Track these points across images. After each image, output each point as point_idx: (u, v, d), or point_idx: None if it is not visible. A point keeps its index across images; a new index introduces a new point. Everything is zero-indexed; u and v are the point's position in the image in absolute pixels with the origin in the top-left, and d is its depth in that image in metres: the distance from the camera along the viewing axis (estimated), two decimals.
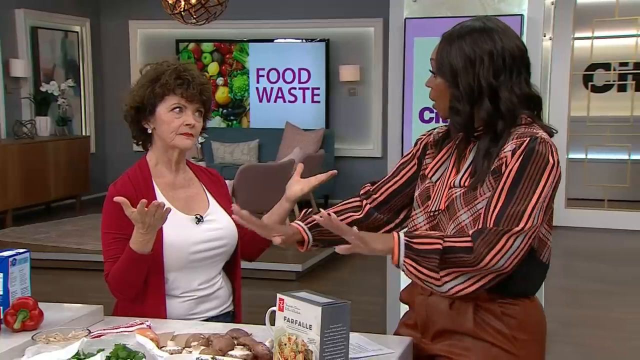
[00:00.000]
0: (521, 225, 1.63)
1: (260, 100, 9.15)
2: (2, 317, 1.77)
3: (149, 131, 2.18)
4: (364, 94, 8.92)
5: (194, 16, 6.89)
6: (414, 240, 1.68)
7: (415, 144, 1.98)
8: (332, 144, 8.63)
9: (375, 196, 1.99)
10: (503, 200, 1.65)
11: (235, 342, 1.72)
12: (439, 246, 1.65)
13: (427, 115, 3.63)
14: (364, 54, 8.83)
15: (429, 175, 1.89)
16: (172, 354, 1.64)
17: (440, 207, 1.80)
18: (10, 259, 1.82)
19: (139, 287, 2.09)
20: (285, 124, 8.68)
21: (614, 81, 8.31)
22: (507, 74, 1.72)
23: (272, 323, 1.77)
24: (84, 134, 9.37)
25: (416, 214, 1.89)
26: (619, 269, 6.20)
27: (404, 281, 3.58)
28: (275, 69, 9.09)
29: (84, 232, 7.06)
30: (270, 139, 8.66)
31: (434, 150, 1.92)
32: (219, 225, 2.20)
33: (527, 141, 1.68)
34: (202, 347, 1.69)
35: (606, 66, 8.23)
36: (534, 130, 1.72)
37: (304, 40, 8.97)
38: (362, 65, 8.79)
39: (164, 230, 2.09)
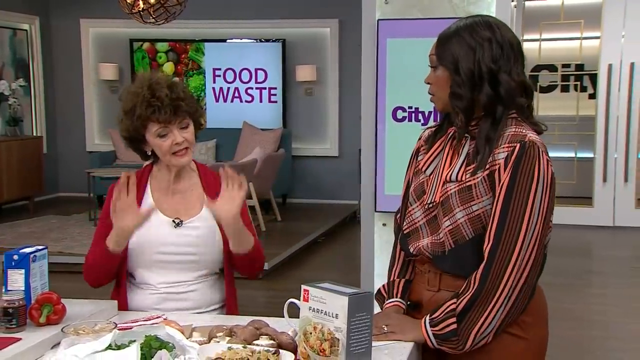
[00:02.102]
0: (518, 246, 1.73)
1: (217, 100, 9.15)
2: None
3: (149, 153, 2.24)
4: (321, 94, 9.03)
5: (153, 16, 6.87)
6: (435, 329, 1.79)
7: (410, 159, 2.07)
8: (290, 144, 8.70)
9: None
10: (495, 232, 1.74)
11: (258, 332, 1.78)
12: (454, 326, 1.76)
13: (400, 114, 3.72)
14: (320, 54, 8.93)
15: (423, 169, 1.95)
16: (200, 344, 1.70)
17: (435, 200, 1.86)
18: (32, 256, 1.85)
19: (105, 279, 2.22)
20: (242, 123, 8.71)
21: (558, 82, 8.61)
22: (505, 60, 1.79)
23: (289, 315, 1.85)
24: (35, 134, 9.20)
25: (413, 209, 1.94)
26: (569, 262, 6.44)
27: (378, 278, 3.70)
28: (231, 69, 9.11)
29: (42, 235, 6.96)
30: (228, 138, 8.67)
31: (426, 145, 1.98)
32: (198, 233, 2.21)
33: (517, 148, 1.74)
34: (228, 338, 1.75)
35: (550, 67, 8.52)
36: (524, 132, 1.78)
37: (258, 41, 9.02)
38: (318, 65, 8.89)
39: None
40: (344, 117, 8.83)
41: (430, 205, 1.88)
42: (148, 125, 2.14)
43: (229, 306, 2.31)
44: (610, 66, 7.98)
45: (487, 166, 1.78)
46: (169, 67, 9.21)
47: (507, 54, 1.79)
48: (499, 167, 1.76)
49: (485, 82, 1.78)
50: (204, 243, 2.22)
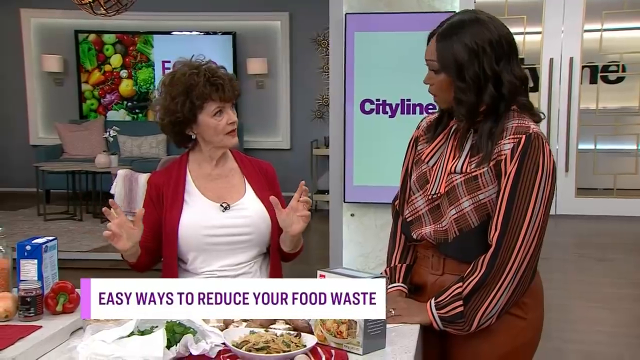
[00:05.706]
0: (521, 236, 1.80)
1: None
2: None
3: (193, 137, 2.29)
4: (272, 87, 9.04)
5: (104, 7, 6.76)
6: (441, 312, 1.86)
7: (408, 146, 2.09)
8: (242, 137, 8.69)
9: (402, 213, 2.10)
10: (502, 220, 1.81)
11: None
12: (461, 308, 1.83)
13: (367, 106, 3.80)
14: (271, 47, 8.95)
15: (426, 160, 1.98)
16: (222, 330, 1.73)
17: (440, 191, 1.91)
18: (44, 246, 1.86)
19: (144, 267, 2.29)
20: None
21: None
22: (506, 59, 1.82)
23: None
24: None
25: (415, 197, 1.99)
26: None
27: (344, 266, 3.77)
28: None
29: None
30: None
31: (428, 135, 2.01)
32: (247, 214, 2.27)
33: (523, 140, 1.81)
34: (244, 323, 1.79)
35: None
36: (527, 123, 1.85)
37: (207, 33, 8.96)
38: (269, 58, 8.91)
39: (184, 212, 2.23)
40: (295, 110, 8.88)
41: (435, 196, 1.92)
42: (205, 105, 2.20)
43: None
44: (551, 60, 8.25)
45: (494, 156, 1.83)
46: (116, 60, 9.08)
47: (506, 52, 1.83)
48: (505, 158, 1.82)
49: (489, 84, 1.81)
50: (255, 223, 2.28)
